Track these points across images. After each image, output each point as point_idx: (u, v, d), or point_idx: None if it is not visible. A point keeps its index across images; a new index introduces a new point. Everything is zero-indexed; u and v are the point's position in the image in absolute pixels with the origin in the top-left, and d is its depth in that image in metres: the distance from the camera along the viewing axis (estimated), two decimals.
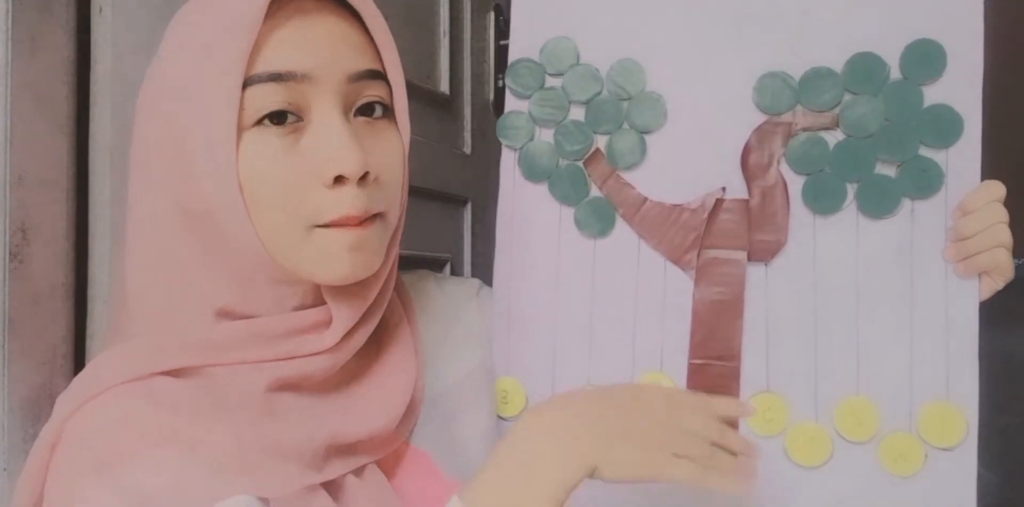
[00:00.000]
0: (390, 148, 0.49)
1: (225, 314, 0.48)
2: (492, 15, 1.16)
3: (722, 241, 0.58)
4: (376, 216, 0.48)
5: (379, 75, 0.49)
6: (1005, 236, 0.52)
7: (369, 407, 0.51)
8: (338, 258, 0.46)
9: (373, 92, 0.48)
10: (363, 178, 0.46)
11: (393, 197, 0.49)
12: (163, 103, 0.47)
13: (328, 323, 0.49)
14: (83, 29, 0.60)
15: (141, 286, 0.49)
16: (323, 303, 0.50)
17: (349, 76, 0.47)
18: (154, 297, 0.49)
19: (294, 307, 0.50)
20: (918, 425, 0.54)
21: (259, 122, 0.45)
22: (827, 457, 0.55)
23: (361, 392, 0.52)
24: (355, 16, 0.49)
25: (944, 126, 0.54)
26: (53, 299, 0.57)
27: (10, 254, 0.53)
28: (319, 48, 0.46)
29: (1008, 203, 0.53)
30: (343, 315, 0.49)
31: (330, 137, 0.45)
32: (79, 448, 0.44)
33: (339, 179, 0.45)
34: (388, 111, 0.50)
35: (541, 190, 0.62)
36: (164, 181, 0.47)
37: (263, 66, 0.45)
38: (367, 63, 0.48)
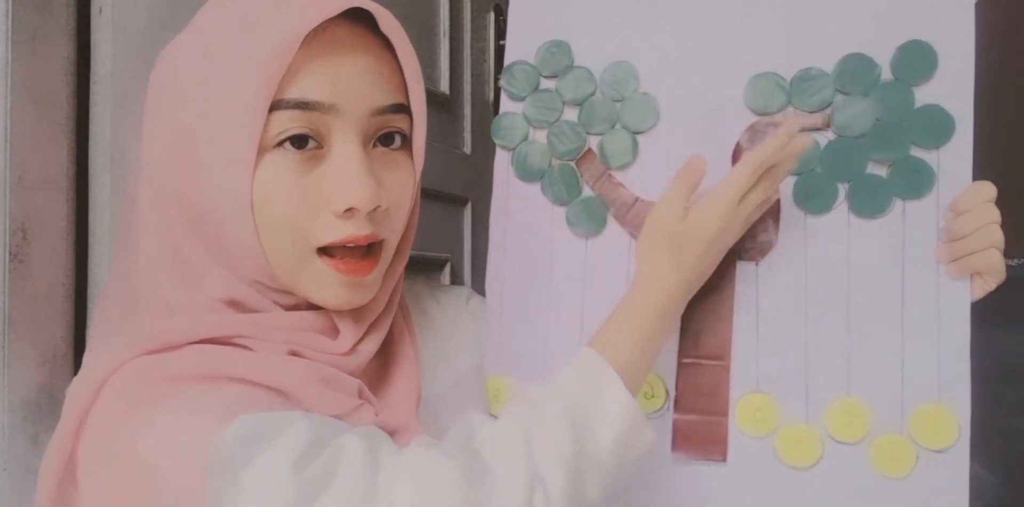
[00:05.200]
0: (402, 179, 0.50)
1: (234, 305, 0.49)
2: (492, 15, 1.16)
3: None
4: (379, 246, 0.49)
5: (403, 108, 0.49)
6: (998, 236, 0.52)
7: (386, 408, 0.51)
8: (334, 290, 0.48)
9: (395, 124, 0.49)
10: (373, 210, 0.47)
11: (398, 225, 0.50)
12: (179, 108, 0.47)
13: (333, 327, 0.50)
14: (83, 29, 0.60)
15: (152, 279, 0.50)
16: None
17: (374, 110, 0.47)
18: (165, 289, 0.49)
19: (299, 308, 0.50)
20: (909, 427, 0.54)
21: (279, 144, 0.46)
22: (817, 458, 0.55)
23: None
24: (387, 45, 0.49)
25: (935, 126, 0.54)
26: (53, 299, 0.57)
27: (10, 254, 0.54)
28: (348, 82, 0.46)
29: (998, 203, 0.53)
30: (349, 326, 0.50)
31: (348, 169, 0.46)
32: (119, 398, 0.45)
33: (350, 210, 0.46)
34: (406, 141, 0.50)
35: (534, 190, 0.62)
36: (171, 185, 0.48)
37: (292, 93, 0.45)
38: (392, 97, 0.49)
